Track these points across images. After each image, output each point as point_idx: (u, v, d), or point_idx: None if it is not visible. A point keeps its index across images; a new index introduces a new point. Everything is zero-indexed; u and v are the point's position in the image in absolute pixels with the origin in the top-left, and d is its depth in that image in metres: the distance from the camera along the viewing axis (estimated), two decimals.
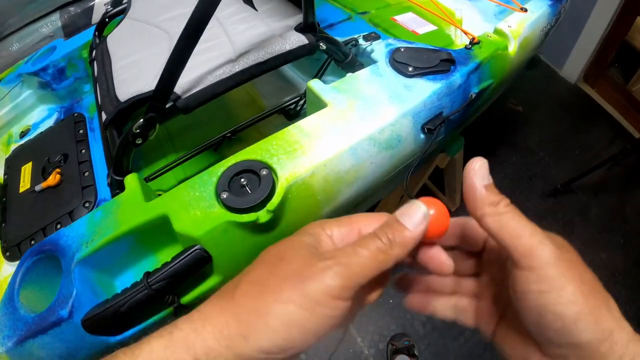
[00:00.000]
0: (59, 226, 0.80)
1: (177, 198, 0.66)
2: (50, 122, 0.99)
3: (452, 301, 0.35)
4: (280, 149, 0.68)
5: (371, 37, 0.91)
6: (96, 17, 1.27)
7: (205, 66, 0.73)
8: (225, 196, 0.64)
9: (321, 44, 0.79)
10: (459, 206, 1.57)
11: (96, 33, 0.96)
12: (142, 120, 0.67)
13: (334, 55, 0.85)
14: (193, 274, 0.64)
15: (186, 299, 0.68)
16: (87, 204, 0.82)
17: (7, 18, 1.15)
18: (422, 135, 0.80)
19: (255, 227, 0.64)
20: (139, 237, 0.68)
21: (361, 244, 0.29)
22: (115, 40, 0.91)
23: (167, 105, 0.69)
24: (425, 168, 1.22)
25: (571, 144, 1.91)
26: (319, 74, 0.89)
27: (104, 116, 0.77)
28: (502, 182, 1.72)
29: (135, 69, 0.81)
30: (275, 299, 0.26)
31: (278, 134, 0.70)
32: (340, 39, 0.95)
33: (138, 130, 0.68)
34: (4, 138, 0.95)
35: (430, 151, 0.94)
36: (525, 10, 1.04)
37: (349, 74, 0.83)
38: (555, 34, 1.19)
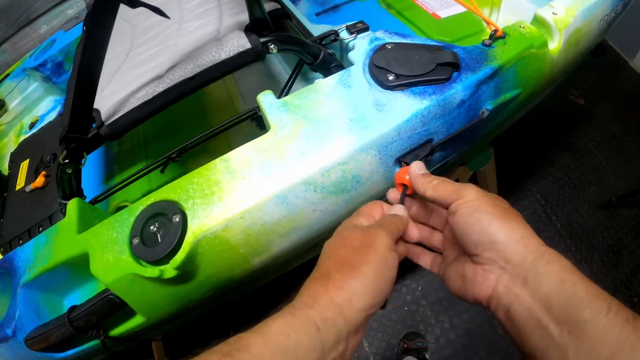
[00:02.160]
0: (40, 229, 0.78)
1: (98, 236, 0.57)
2: (55, 113, 0.96)
3: (431, 256, 0.43)
4: (199, 189, 0.54)
5: (356, 29, 0.65)
6: None
7: (133, 84, 0.59)
8: (135, 242, 0.53)
9: (272, 46, 0.58)
10: None
11: (84, 27, 0.86)
12: (64, 152, 0.57)
13: (299, 57, 0.63)
14: (109, 315, 0.57)
15: (115, 332, 0.62)
16: (63, 210, 0.79)
17: (33, 1, 1.11)
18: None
19: (164, 280, 0.53)
20: (74, 267, 0.62)
21: (382, 220, 0.39)
22: None
23: (91, 134, 0.57)
24: None
25: (635, 149, 1.40)
26: (289, 81, 0.68)
27: (60, 130, 0.69)
28: (550, 186, 1.32)
29: None
30: (361, 265, 0.33)
31: (203, 168, 0.55)
32: (330, 27, 0.71)
33: (66, 161, 0.58)
34: (17, 129, 0.96)
35: None
36: None
37: (316, 81, 0.61)
38: (626, 17, 0.77)
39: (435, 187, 0.38)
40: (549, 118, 1.42)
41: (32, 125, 0.95)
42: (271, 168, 0.52)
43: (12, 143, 0.94)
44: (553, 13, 0.66)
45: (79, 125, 0.56)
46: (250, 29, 0.59)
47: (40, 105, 0.97)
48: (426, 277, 1.15)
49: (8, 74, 0.96)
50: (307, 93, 0.58)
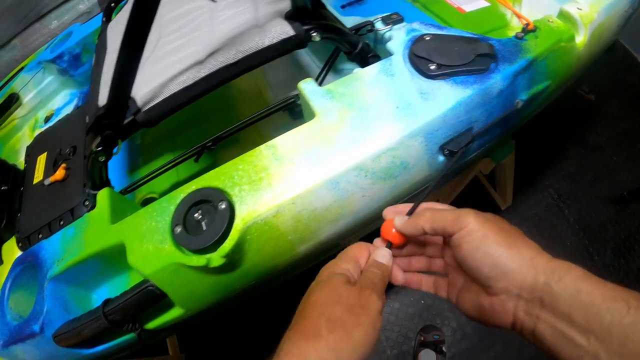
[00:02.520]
0: (61, 223, 0.74)
1: (135, 226, 0.55)
2: (72, 107, 0.93)
3: (432, 279, 0.42)
4: (245, 176, 0.52)
5: (392, 20, 0.65)
6: None
7: (171, 70, 0.57)
8: (178, 231, 0.51)
9: (314, 34, 0.57)
10: (511, 205, 1.27)
11: (104, 19, 0.84)
12: (99, 138, 0.55)
13: (338, 46, 0.62)
14: (147, 308, 0.55)
15: (151, 325, 0.59)
16: (87, 203, 0.75)
17: None
18: (441, 158, 0.57)
19: (210, 269, 0.51)
20: (107, 259, 0.59)
21: (372, 279, 0.37)
22: (114, 28, 0.78)
23: (127, 121, 0.55)
24: (462, 176, 0.95)
25: None
26: (324, 69, 0.67)
27: (87, 119, 0.66)
28: (563, 181, 1.34)
29: None
30: (353, 328, 0.33)
31: (248, 155, 0.54)
32: (361, 20, 0.71)
33: (99, 149, 0.56)
34: (31, 123, 0.92)
35: (456, 170, 0.70)
36: None
37: (355, 71, 0.61)
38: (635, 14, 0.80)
39: (430, 220, 0.37)
40: (560, 114, 1.44)
41: (47, 119, 0.91)
42: (322, 154, 0.51)
43: (26, 137, 0.90)
44: (578, 8, 0.67)
45: (115, 111, 0.54)
46: (291, 17, 0.58)
47: (55, 98, 0.93)
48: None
49: (22, 67, 0.92)
50: (349, 81, 0.57)
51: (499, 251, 0.32)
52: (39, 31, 1.10)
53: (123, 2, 0.83)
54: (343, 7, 0.81)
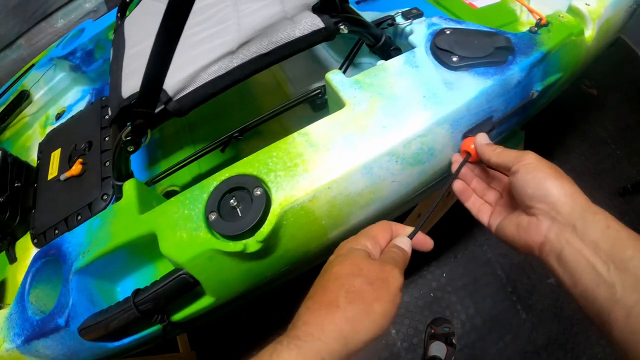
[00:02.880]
0: (79, 218, 0.72)
1: (166, 215, 0.54)
2: (84, 104, 0.91)
3: (479, 202, 0.47)
4: (280, 162, 0.52)
5: (412, 14, 0.67)
6: None
7: (202, 60, 0.57)
8: (213, 218, 0.51)
9: (342, 27, 0.58)
10: None
11: (118, 14, 0.83)
12: (129, 128, 0.54)
13: (362, 39, 0.64)
14: (179, 297, 0.54)
15: (177, 316, 0.58)
16: (105, 197, 0.74)
17: None
18: None
19: (246, 255, 0.50)
20: (134, 250, 0.58)
21: (395, 256, 0.39)
22: (132, 22, 0.77)
23: (158, 110, 0.55)
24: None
25: None
26: (347, 61, 0.68)
27: (109, 111, 0.66)
28: (568, 174, 1.33)
29: (143, 59, 0.68)
30: (373, 302, 0.33)
31: (281, 142, 0.54)
32: (379, 14, 0.72)
33: (128, 138, 0.55)
34: (42, 120, 0.90)
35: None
36: None
37: (379, 63, 0.62)
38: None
39: (499, 154, 0.43)
40: (563, 108, 1.48)
41: (58, 117, 0.89)
42: (355, 140, 0.51)
43: (37, 135, 0.88)
44: (586, 4, 0.70)
45: (149, 99, 0.53)
46: (319, 10, 0.59)
47: (67, 95, 0.91)
48: (450, 263, 1.17)
49: (33, 64, 0.90)
50: (376, 72, 0.58)
51: (546, 177, 0.37)
52: (45, 30, 1.08)
53: None
54: (358, 2, 0.82)
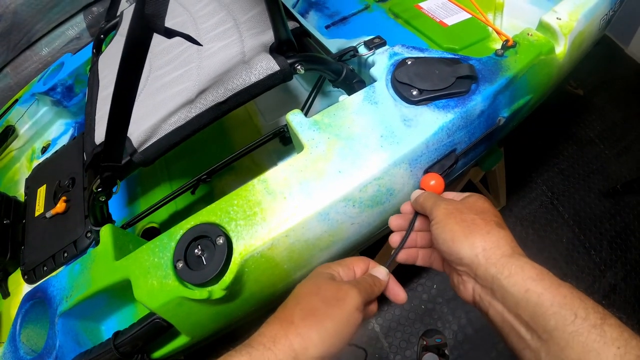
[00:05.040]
0: (65, 255, 0.78)
1: (139, 262, 0.59)
2: (67, 137, 0.96)
3: (429, 253, 0.48)
4: (240, 211, 0.55)
5: (374, 44, 0.68)
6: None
7: (163, 109, 0.60)
8: (180, 267, 0.55)
9: (299, 67, 0.60)
10: (505, 205, 1.32)
11: (94, 50, 0.86)
12: (98, 180, 0.58)
13: (323, 75, 0.65)
14: (156, 339, 0.59)
15: (158, 354, 0.63)
16: (88, 234, 0.79)
17: (34, 24, 1.10)
18: None
19: (212, 301, 0.54)
20: (114, 293, 0.63)
21: (361, 280, 0.41)
22: (105, 61, 0.81)
23: (124, 161, 0.58)
24: (454, 185, 0.98)
25: (635, 135, 1.46)
26: (309, 99, 0.70)
27: (84, 156, 0.70)
28: (556, 177, 1.38)
29: None
30: (325, 318, 0.35)
31: (242, 189, 0.57)
32: (346, 42, 0.73)
33: (99, 190, 0.59)
34: (28, 154, 0.95)
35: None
36: None
37: (341, 98, 0.64)
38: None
39: (420, 205, 0.45)
40: (550, 110, 1.47)
41: (44, 150, 0.94)
42: (311, 187, 0.54)
43: (24, 168, 0.94)
44: (557, 18, 0.69)
45: (113, 154, 0.57)
46: (275, 50, 0.61)
47: (51, 129, 0.96)
48: (441, 275, 1.19)
49: (17, 100, 0.95)
50: (335, 111, 0.60)
51: (453, 238, 0.37)
52: (30, 58, 1.13)
53: (112, 33, 0.86)
54: (327, 27, 0.83)
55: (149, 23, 0.48)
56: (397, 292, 0.44)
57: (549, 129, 1.49)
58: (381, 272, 0.43)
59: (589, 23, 0.71)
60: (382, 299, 0.43)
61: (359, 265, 0.43)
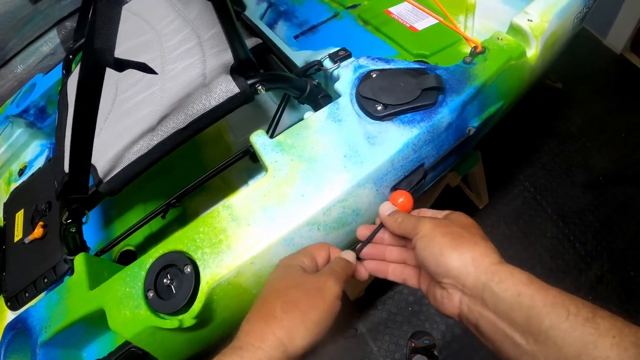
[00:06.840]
0: (45, 280, 0.81)
1: (112, 292, 0.61)
2: (43, 159, 0.97)
3: (400, 268, 0.47)
4: (206, 239, 0.57)
5: (339, 57, 0.68)
6: None
7: (127, 137, 0.61)
8: (150, 296, 0.57)
9: (259, 87, 0.60)
10: (488, 203, 1.33)
11: (63, 71, 0.87)
12: (66, 212, 0.59)
13: (286, 92, 0.66)
14: None
15: None
16: (67, 259, 0.81)
17: (7, 42, 1.11)
18: None
19: (184, 329, 0.56)
20: (91, 322, 0.65)
21: (333, 267, 0.43)
22: (73, 83, 0.81)
23: (90, 192, 0.60)
24: (432, 191, 0.99)
25: (617, 127, 1.46)
26: (273, 121, 0.70)
27: (56, 184, 0.71)
28: (538, 173, 1.39)
29: None
30: (309, 310, 0.37)
31: (207, 216, 0.59)
32: (313, 54, 0.74)
33: (69, 221, 0.61)
34: (5, 177, 0.97)
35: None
36: None
37: (306, 115, 0.64)
38: None
39: (399, 225, 0.44)
40: (529, 105, 1.49)
41: (21, 172, 0.96)
42: (274, 212, 0.55)
43: (2, 192, 0.96)
44: (528, 20, 0.69)
45: (78, 186, 0.58)
46: (236, 71, 0.61)
47: (26, 151, 0.98)
48: None
49: None
50: (299, 130, 0.61)
51: (441, 251, 0.38)
52: (5, 76, 1.14)
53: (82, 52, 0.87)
54: (296, 37, 0.83)
55: (99, 57, 0.49)
56: (360, 270, 0.47)
57: (529, 125, 1.49)
58: (349, 255, 0.46)
59: (562, 23, 0.71)
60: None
61: (320, 253, 0.46)
